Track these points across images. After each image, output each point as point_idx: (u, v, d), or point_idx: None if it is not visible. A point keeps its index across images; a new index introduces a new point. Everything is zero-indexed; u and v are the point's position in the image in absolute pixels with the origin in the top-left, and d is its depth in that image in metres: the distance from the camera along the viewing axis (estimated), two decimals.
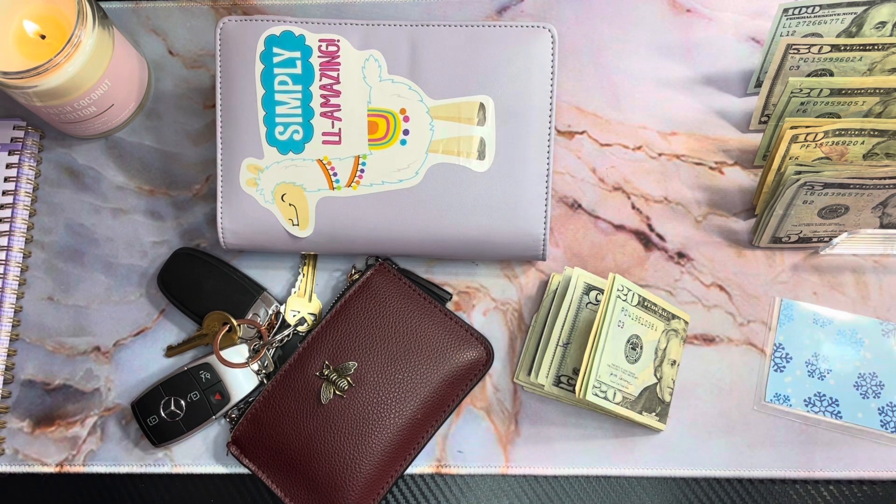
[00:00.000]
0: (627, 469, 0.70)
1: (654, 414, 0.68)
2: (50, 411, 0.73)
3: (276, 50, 0.69)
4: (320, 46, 0.69)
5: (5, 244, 0.74)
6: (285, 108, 0.69)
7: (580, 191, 0.75)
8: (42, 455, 0.72)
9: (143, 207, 0.76)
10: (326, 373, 0.69)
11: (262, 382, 0.71)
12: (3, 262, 0.74)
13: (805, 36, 0.69)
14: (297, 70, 0.69)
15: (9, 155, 0.76)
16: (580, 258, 0.73)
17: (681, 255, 0.73)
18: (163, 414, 0.70)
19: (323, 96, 0.69)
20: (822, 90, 0.67)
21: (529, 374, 0.69)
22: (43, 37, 0.69)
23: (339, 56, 0.69)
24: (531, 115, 0.69)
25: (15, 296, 0.74)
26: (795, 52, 0.67)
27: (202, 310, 0.72)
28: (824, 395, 0.70)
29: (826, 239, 0.71)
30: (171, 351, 0.73)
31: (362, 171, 0.69)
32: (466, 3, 0.78)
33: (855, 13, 0.68)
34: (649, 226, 0.74)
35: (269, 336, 0.72)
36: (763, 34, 0.77)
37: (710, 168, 0.75)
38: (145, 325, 0.74)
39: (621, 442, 0.70)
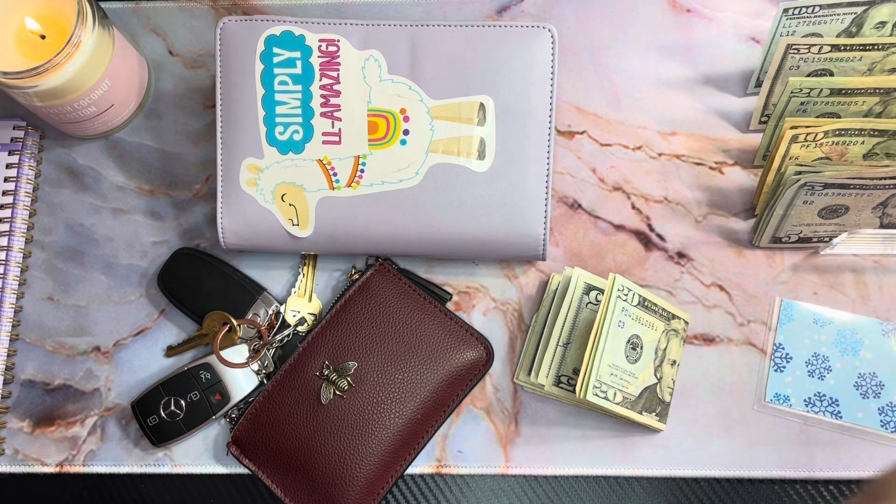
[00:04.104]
0: (627, 469, 0.70)
1: (654, 414, 0.68)
2: (50, 411, 0.73)
3: (276, 50, 0.69)
4: (320, 46, 0.69)
5: (5, 244, 0.74)
6: (285, 108, 0.69)
7: (580, 191, 0.75)
8: (42, 455, 0.72)
9: (143, 207, 0.76)
10: (326, 373, 0.69)
11: (262, 382, 0.71)
12: (3, 262, 0.74)
13: (805, 36, 0.69)
14: (297, 70, 0.69)
15: (9, 155, 0.76)
16: (580, 258, 0.73)
17: (681, 255, 0.73)
18: (163, 414, 0.70)
19: (323, 96, 0.69)
20: (822, 90, 0.67)
21: (529, 374, 0.69)
22: (43, 37, 0.69)
23: (339, 56, 0.69)
24: (531, 115, 0.69)
25: (15, 296, 0.74)
26: (795, 52, 0.67)
27: (202, 310, 0.72)
28: (824, 395, 0.70)
29: (826, 239, 0.71)
30: (171, 351, 0.73)
31: (362, 171, 0.69)
32: (466, 3, 0.78)
33: (855, 13, 0.68)
34: (649, 226, 0.74)
35: (269, 336, 0.72)
36: (763, 34, 0.77)
37: (710, 168, 0.75)
38: (145, 325, 0.74)
39: (621, 442, 0.70)
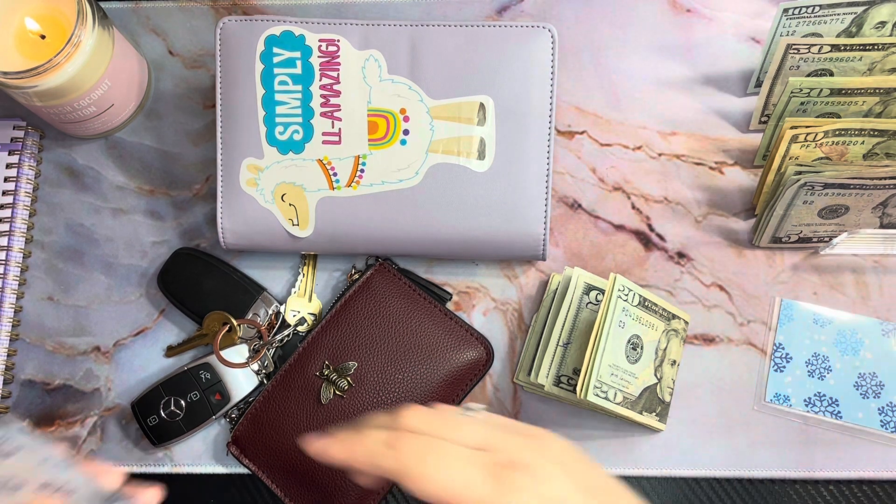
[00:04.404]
0: (627, 469, 0.70)
1: (654, 414, 0.68)
2: (50, 411, 0.73)
3: (276, 50, 0.69)
4: (320, 46, 0.69)
5: (5, 244, 0.74)
6: (285, 108, 0.69)
7: (580, 191, 0.75)
8: None
9: (143, 207, 0.76)
10: (326, 373, 0.69)
11: (262, 382, 0.71)
12: (3, 262, 0.74)
13: (805, 36, 0.70)
14: (297, 70, 0.69)
15: (9, 155, 0.76)
16: (580, 258, 0.73)
17: (681, 255, 0.73)
18: (163, 414, 0.70)
19: (323, 96, 0.69)
20: (822, 90, 0.67)
21: (529, 374, 0.69)
22: (43, 37, 0.69)
23: (339, 56, 0.69)
24: (531, 115, 0.69)
25: (15, 296, 0.74)
26: (795, 51, 0.67)
27: (202, 310, 0.72)
28: (824, 395, 0.70)
29: (826, 239, 0.71)
30: (171, 351, 0.73)
31: (362, 171, 0.69)
32: (466, 3, 0.78)
33: (855, 13, 0.68)
34: (649, 226, 0.74)
35: (269, 336, 0.72)
36: (763, 34, 0.77)
37: (710, 168, 0.75)
38: (145, 325, 0.74)
39: (621, 442, 0.70)
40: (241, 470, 0.71)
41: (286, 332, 0.72)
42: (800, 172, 0.66)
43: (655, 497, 0.70)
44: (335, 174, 0.69)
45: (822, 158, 0.68)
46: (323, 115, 0.69)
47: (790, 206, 0.67)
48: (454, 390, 0.70)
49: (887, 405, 0.69)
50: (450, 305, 0.73)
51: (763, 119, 0.73)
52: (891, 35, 0.69)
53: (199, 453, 0.71)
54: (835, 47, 0.67)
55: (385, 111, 0.69)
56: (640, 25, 0.77)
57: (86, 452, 0.72)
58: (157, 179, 0.76)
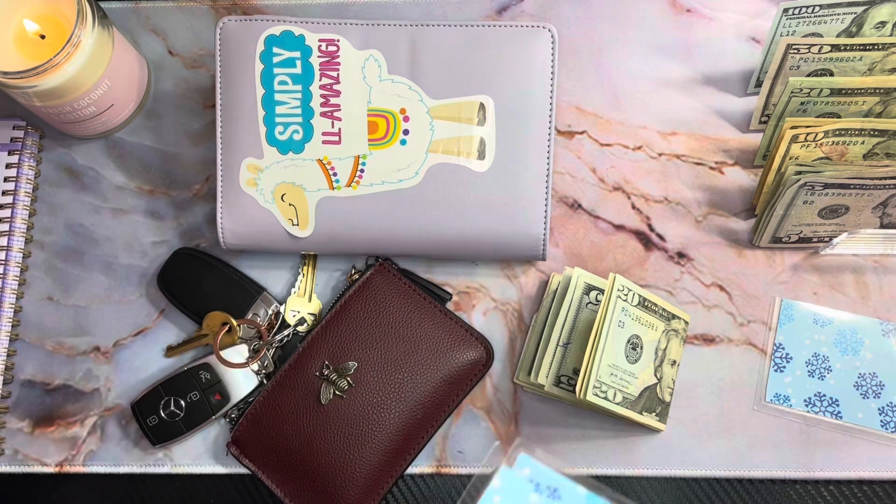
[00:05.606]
0: (627, 469, 0.70)
1: (654, 414, 0.68)
2: (50, 411, 0.73)
3: (275, 50, 0.69)
4: (320, 46, 0.69)
5: (5, 244, 0.74)
6: (285, 108, 0.69)
7: (580, 191, 0.75)
8: (42, 455, 0.72)
9: (143, 207, 0.76)
10: (326, 373, 0.69)
11: (261, 382, 0.71)
12: (3, 262, 0.74)
13: (805, 36, 0.70)
14: (297, 70, 0.69)
15: (9, 155, 0.76)
16: (580, 258, 0.73)
17: (681, 255, 0.73)
18: (163, 414, 0.70)
19: (323, 96, 0.69)
20: (822, 90, 0.67)
21: (529, 374, 0.69)
22: (43, 37, 0.69)
23: (338, 56, 0.69)
24: (531, 115, 0.69)
25: (15, 296, 0.74)
26: (795, 51, 0.67)
27: (202, 310, 0.72)
28: (824, 395, 0.70)
29: (826, 239, 0.71)
30: (171, 351, 0.73)
31: (362, 170, 0.69)
32: (466, 3, 0.78)
33: (855, 13, 0.68)
34: (649, 226, 0.74)
35: (268, 336, 0.72)
36: (763, 34, 0.77)
37: (710, 168, 0.75)
38: (145, 325, 0.74)
39: (621, 442, 0.70)
40: (241, 470, 0.71)
41: (286, 333, 0.72)
42: (800, 172, 0.66)
43: (655, 497, 0.70)
44: (335, 174, 0.69)
45: (822, 158, 0.68)
46: (323, 115, 0.69)
47: (790, 206, 0.67)
48: (454, 390, 0.70)
49: (887, 405, 0.69)
50: (450, 305, 0.73)
51: (763, 119, 0.73)
52: (891, 35, 0.69)
53: (199, 453, 0.71)
54: (835, 47, 0.67)
55: (385, 111, 0.69)
56: (639, 25, 0.77)
57: (85, 453, 0.72)
58: (157, 179, 0.76)
